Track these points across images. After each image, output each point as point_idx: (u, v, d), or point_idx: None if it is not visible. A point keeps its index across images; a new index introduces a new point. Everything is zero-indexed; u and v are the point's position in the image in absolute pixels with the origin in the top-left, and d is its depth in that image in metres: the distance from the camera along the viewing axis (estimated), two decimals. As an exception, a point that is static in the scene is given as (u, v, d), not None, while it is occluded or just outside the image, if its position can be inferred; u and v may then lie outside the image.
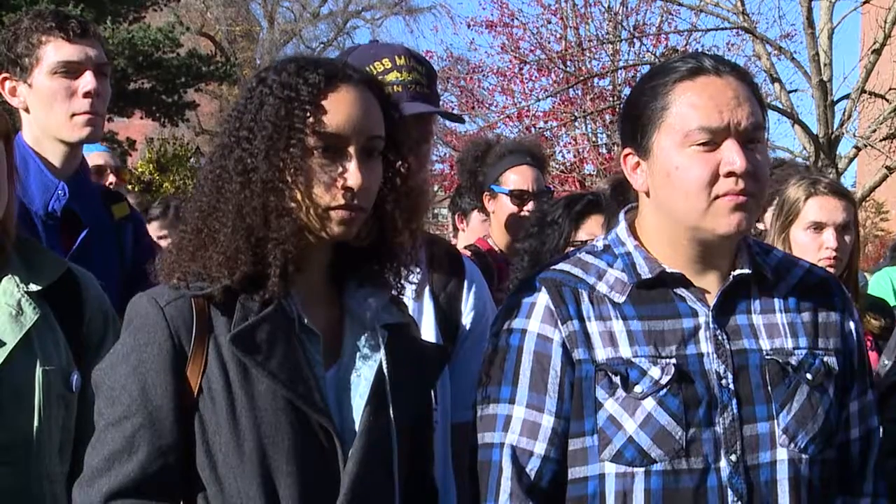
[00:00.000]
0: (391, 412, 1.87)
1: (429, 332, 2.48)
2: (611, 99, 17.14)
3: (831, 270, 3.22)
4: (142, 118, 20.31)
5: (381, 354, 1.89)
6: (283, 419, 1.76)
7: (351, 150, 1.81)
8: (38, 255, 2.31)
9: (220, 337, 1.79)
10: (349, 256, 1.94)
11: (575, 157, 19.23)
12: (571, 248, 3.02)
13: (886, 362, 3.23)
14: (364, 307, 1.93)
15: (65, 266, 2.32)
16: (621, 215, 2.10)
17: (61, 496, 2.17)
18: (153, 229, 6.07)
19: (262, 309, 1.79)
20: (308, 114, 1.79)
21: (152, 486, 1.76)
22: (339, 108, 1.82)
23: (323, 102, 1.81)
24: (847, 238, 3.39)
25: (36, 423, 2.15)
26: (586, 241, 3.02)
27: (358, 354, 1.90)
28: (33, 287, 2.23)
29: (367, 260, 1.95)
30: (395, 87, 2.34)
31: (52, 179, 2.87)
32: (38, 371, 2.17)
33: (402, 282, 1.99)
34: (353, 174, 1.80)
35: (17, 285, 2.22)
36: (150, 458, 1.76)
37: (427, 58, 2.63)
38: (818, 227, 3.37)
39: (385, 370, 1.88)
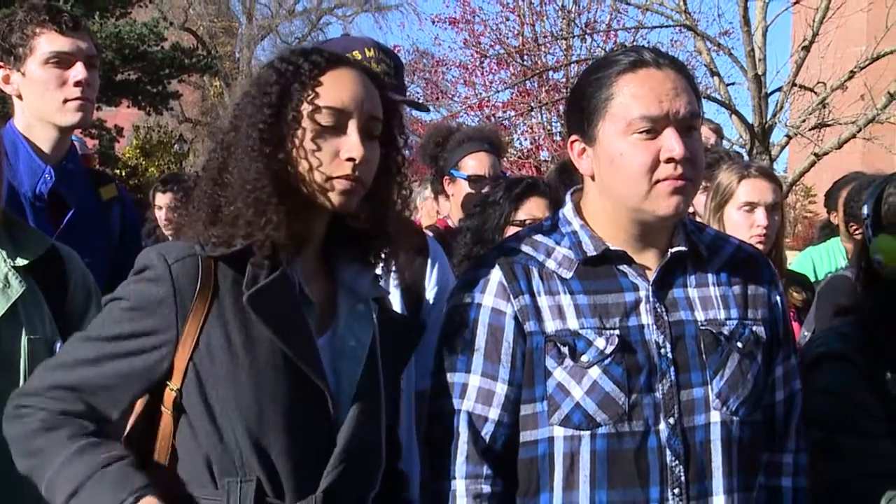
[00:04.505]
0: (381, 378, 1.87)
1: (394, 306, 2.47)
2: (564, 91, 17.11)
3: (761, 247, 3.26)
4: (128, 107, 20.15)
5: (373, 324, 1.89)
6: (281, 378, 1.74)
7: (352, 124, 1.80)
8: (24, 233, 2.29)
9: (225, 298, 1.76)
10: (342, 235, 1.93)
11: (531, 144, 19.31)
12: (511, 227, 3.03)
13: (806, 334, 3.27)
14: (357, 281, 1.92)
15: (49, 243, 2.30)
16: (568, 196, 2.09)
17: None
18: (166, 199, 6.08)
19: (269, 274, 1.77)
20: (310, 89, 1.78)
21: (99, 400, 1.76)
22: (341, 85, 1.80)
23: (326, 79, 1.79)
24: (776, 217, 3.42)
25: None
26: (525, 221, 3.04)
27: (352, 324, 1.89)
28: (20, 262, 2.20)
29: (360, 240, 1.93)
30: None
31: (39, 164, 2.85)
32: (24, 340, 2.15)
33: (389, 265, 1.98)
34: (355, 145, 1.78)
35: (4, 260, 2.19)
36: (113, 381, 1.74)
37: (395, 52, 2.62)
38: (750, 206, 3.40)
39: (377, 339, 1.88)
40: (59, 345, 2.21)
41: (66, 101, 2.83)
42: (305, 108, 1.78)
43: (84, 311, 2.31)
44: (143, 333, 1.75)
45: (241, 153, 1.78)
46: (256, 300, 1.74)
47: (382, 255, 1.96)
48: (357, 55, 2.41)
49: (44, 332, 2.20)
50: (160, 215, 6.10)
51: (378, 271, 1.99)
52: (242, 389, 1.72)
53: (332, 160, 1.78)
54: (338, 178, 1.79)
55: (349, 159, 1.78)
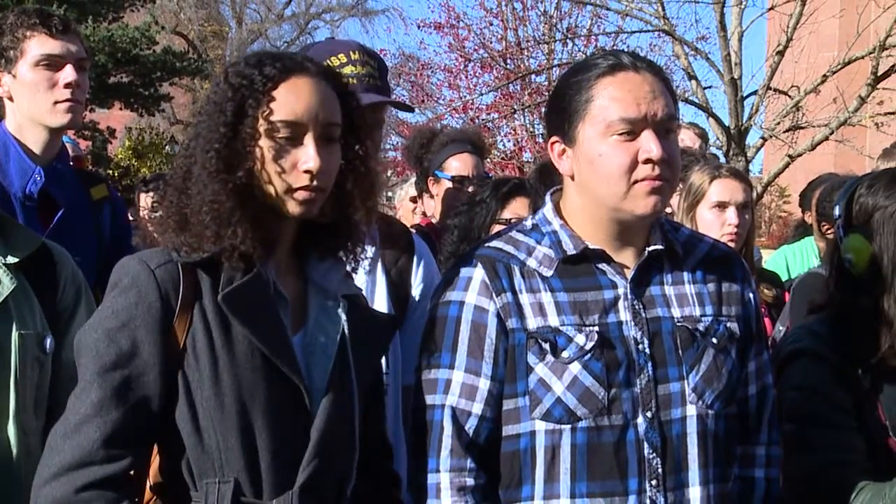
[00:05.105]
0: (353, 374, 1.86)
1: (381, 303, 2.47)
2: (547, 94, 17.07)
3: (733, 245, 3.27)
4: (121, 109, 20.02)
5: (343, 321, 1.88)
6: (259, 377, 1.73)
7: (309, 135, 1.78)
8: (15, 231, 2.27)
9: (206, 300, 1.75)
10: (311, 232, 1.92)
11: (514, 145, 19.26)
12: (497, 225, 3.03)
13: (781, 329, 3.28)
14: (327, 279, 1.91)
15: (39, 241, 2.28)
16: (548, 197, 2.09)
17: (36, 446, 2.12)
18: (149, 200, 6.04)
19: (244, 275, 1.76)
20: (265, 105, 1.76)
21: (136, 434, 1.71)
22: (295, 96, 1.78)
23: (279, 91, 1.78)
24: (746, 216, 3.43)
25: (13, 381, 2.12)
26: (511, 220, 3.03)
27: (322, 321, 1.89)
28: (11, 259, 2.19)
29: (328, 236, 1.93)
30: (350, 79, 2.31)
31: (30, 164, 2.84)
32: (15, 335, 2.14)
33: (358, 258, 1.97)
34: (312, 158, 1.77)
35: None
36: (136, 409, 1.70)
37: (380, 55, 2.62)
38: (721, 206, 3.41)
39: (347, 335, 1.87)
40: (49, 340, 2.21)
41: (56, 102, 2.83)
42: (261, 125, 1.76)
43: (74, 309, 2.31)
44: (142, 342, 1.72)
45: (199, 169, 1.76)
46: (231, 300, 1.73)
47: (350, 249, 1.95)
48: (343, 57, 2.41)
49: (34, 327, 2.19)
50: (145, 216, 6.06)
51: (350, 268, 1.98)
52: (224, 389, 1.71)
53: (291, 171, 1.78)
54: (297, 188, 1.78)
55: (307, 171, 1.77)
